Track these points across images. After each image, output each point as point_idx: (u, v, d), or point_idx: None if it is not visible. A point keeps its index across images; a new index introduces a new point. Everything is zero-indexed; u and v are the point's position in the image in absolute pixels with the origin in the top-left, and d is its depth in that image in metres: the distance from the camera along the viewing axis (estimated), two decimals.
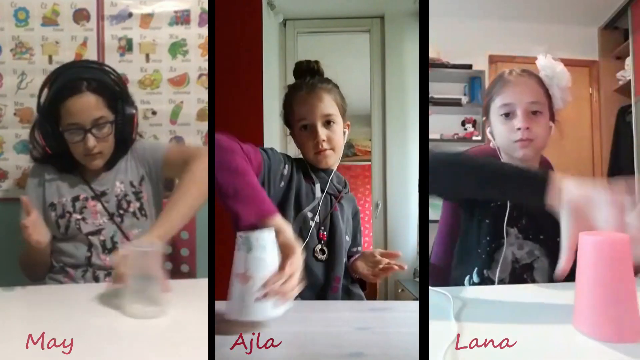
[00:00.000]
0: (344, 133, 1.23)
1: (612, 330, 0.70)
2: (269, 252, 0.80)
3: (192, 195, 1.23)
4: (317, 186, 1.18)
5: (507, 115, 1.16)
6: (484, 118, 1.26)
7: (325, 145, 1.17)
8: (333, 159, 1.20)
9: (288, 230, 0.86)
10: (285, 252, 0.82)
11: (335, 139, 1.19)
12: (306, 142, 1.19)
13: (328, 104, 1.19)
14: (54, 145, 1.31)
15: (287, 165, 1.16)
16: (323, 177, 1.20)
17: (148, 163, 1.38)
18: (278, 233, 0.84)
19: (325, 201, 1.18)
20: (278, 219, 0.87)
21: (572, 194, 0.81)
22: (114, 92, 1.33)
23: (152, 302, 0.93)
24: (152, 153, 1.39)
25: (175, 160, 1.35)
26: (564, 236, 0.80)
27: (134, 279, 0.94)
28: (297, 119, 1.20)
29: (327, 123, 1.18)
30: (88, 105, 1.27)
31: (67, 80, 1.28)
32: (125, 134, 1.35)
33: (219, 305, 0.82)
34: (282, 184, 1.13)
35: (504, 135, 1.17)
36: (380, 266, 1.15)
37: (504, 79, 1.19)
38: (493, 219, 1.14)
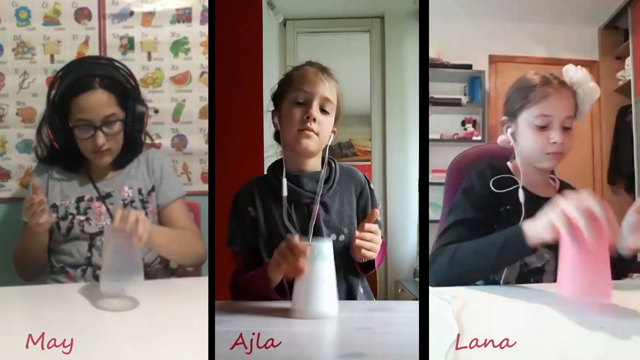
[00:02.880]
0: (330, 136, 1.16)
1: (587, 288, 0.84)
2: (328, 261, 0.91)
3: (177, 240, 1.31)
4: (291, 203, 1.12)
5: (542, 127, 1.14)
6: (504, 118, 1.22)
7: (314, 124, 1.09)
8: (313, 146, 1.11)
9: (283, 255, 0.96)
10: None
11: (324, 126, 1.11)
12: (294, 116, 1.10)
13: (331, 90, 1.13)
14: (62, 140, 1.29)
15: (250, 207, 1.13)
16: (292, 187, 1.12)
17: (158, 193, 1.39)
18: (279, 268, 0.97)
19: (302, 213, 1.12)
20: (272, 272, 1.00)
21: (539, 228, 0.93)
22: (126, 89, 1.33)
23: (125, 280, 0.96)
24: (167, 189, 1.40)
25: (173, 217, 1.38)
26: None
27: (111, 255, 0.96)
28: (292, 90, 1.12)
29: (322, 109, 1.11)
30: (99, 102, 1.27)
31: (79, 76, 1.28)
32: (134, 133, 1.34)
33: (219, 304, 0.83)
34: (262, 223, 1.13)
35: (535, 145, 1.15)
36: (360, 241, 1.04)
37: (543, 87, 1.14)
38: (502, 225, 1.12)
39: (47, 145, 1.35)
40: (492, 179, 1.17)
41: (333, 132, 1.17)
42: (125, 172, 1.37)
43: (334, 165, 1.17)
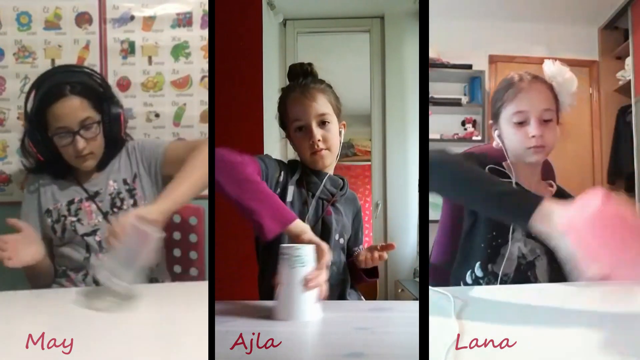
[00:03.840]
0: (340, 132, 1.24)
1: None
2: (308, 266, 0.89)
3: (196, 176, 1.23)
4: (309, 193, 1.19)
5: (521, 123, 1.16)
6: (490, 122, 1.25)
7: (321, 145, 1.17)
8: (329, 159, 1.21)
9: (309, 230, 0.96)
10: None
11: (330, 138, 1.19)
12: (302, 143, 1.19)
13: (322, 104, 1.19)
14: (44, 151, 1.32)
15: (282, 172, 1.17)
16: (315, 181, 1.20)
17: (149, 161, 1.39)
18: (301, 234, 0.95)
19: (317, 206, 1.19)
20: (299, 223, 0.96)
21: (564, 218, 0.85)
22: (98, 93, 1.34)
23: (123, 279, 0.95)
24: (152, 151, 1.40)
25: (177, 156, 1.35)
26: (573, 258, 0.84)
27: (123, 251, 0.96)
28: (291, 120, 1.21)
29: (322, 123, 1.19)
30: (73, 107, 1.28)
31: (50, 86, 1.29)
32: (113, 133, 1.36)
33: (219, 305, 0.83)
34: (278, 190, 1.15)
35: (517, 142, 1.17)
36: (375, 254, 1.18)
37: (516, 85, 1.18)
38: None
39: (33, 157, 1.37)
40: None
41: (343, 125, 1.25)
42: (108, 169, 1.39)
43: (346, 182, 1.27)
